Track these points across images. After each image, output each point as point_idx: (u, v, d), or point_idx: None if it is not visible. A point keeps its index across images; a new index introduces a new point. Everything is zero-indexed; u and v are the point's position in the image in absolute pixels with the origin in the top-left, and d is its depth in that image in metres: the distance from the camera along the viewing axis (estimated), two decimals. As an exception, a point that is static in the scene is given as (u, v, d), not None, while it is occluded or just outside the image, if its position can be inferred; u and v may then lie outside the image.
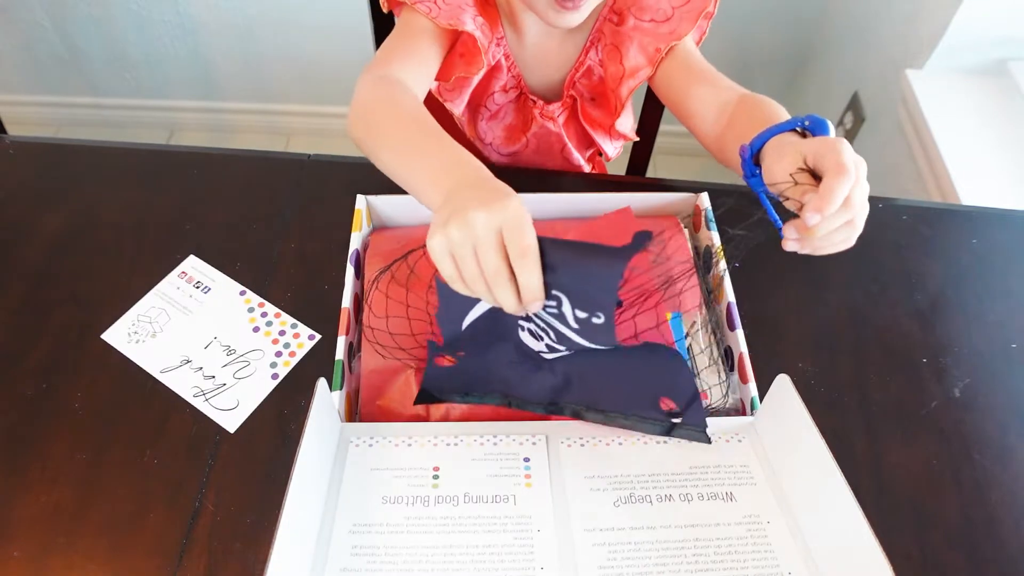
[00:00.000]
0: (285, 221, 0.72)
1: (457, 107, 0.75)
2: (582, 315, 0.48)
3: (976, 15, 1.05)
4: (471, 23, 0.67)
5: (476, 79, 0.72)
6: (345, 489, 0.52)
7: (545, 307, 0.49)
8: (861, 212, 0.49)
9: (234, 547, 0.52)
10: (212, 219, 0.73)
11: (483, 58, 0.68)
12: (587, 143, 0.83)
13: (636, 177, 0.88)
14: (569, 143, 0.81)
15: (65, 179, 0.77)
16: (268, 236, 0.71)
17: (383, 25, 0.90)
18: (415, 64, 0.66)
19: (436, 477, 0.53)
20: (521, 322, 0.54)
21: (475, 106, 0.79)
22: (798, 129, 0.54)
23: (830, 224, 0.48)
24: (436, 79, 0.71)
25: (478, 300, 0.49)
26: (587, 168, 0.89)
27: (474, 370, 0.57)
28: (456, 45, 0.70)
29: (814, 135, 0.53)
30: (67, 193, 0.75)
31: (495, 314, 0.52)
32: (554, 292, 0.47)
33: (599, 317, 0.48)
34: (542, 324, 0.52)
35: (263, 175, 0.77)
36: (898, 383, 0.63)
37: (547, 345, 0.54)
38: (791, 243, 0.50)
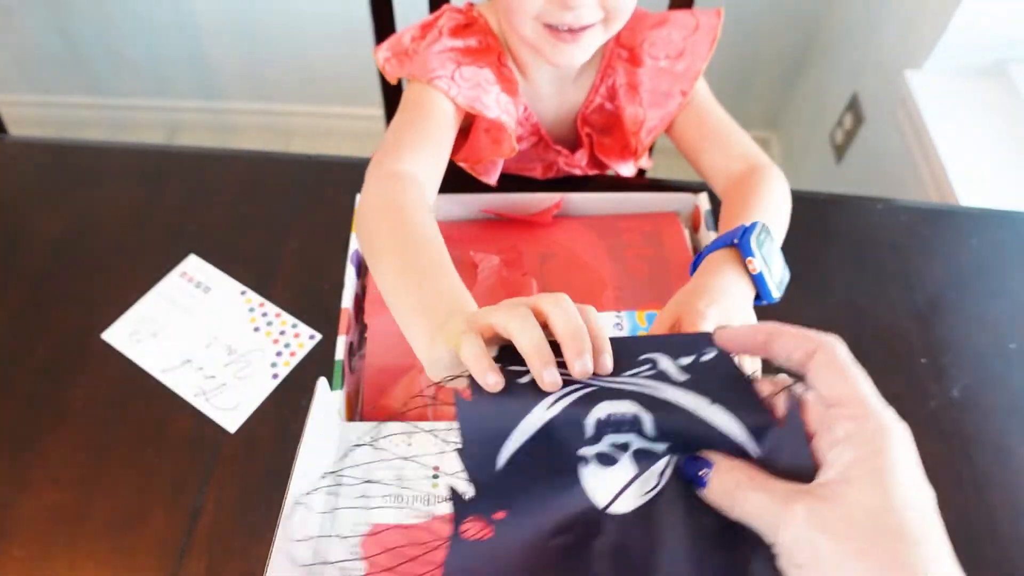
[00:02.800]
0: (285, 221, 0.72)
1: (491, 179, 0.70)
2: (686, 360, 0.38)
3: (975, 16, 1.05)
4: (495, 107, 0.63)
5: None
6: (345, 489, 0.52)
7: (633, 372, 0.38)
8: None
9: (234, 547, 0.52)
10: (212, 219, 0.73)
11: (512, 143, 0.64)
12: (602, 169, 0.81)
13: (636, 177, 0.89)
14: (588, 174, 0.79)
15: (65, 179, 0.77)
16: (268, 236, 0.71)
17: (383, 25, 0.90)
18: (429, 152, 0.61)
19: (436, 477, 0.53)
20: (585, 450, 0.37)
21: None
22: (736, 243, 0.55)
23: None
24: (464, 159, 0.67)
25: (515, 422, 0.37)
26: None
27: (513, 548, 0.37)
28: (478, 120, 0.66)
29: (743, 248, 0.55)
30: (67, 193, 0.75)
31: (547, 438, 0.37)
32: (645, 357, 0.38)
33: (708, 352, 0.38)
34: (625, 419, 0.36)
35: (263, 175, 0.77)
36: (898, 383, 0.63)
37: (632, 464, 0.37)
38: None
